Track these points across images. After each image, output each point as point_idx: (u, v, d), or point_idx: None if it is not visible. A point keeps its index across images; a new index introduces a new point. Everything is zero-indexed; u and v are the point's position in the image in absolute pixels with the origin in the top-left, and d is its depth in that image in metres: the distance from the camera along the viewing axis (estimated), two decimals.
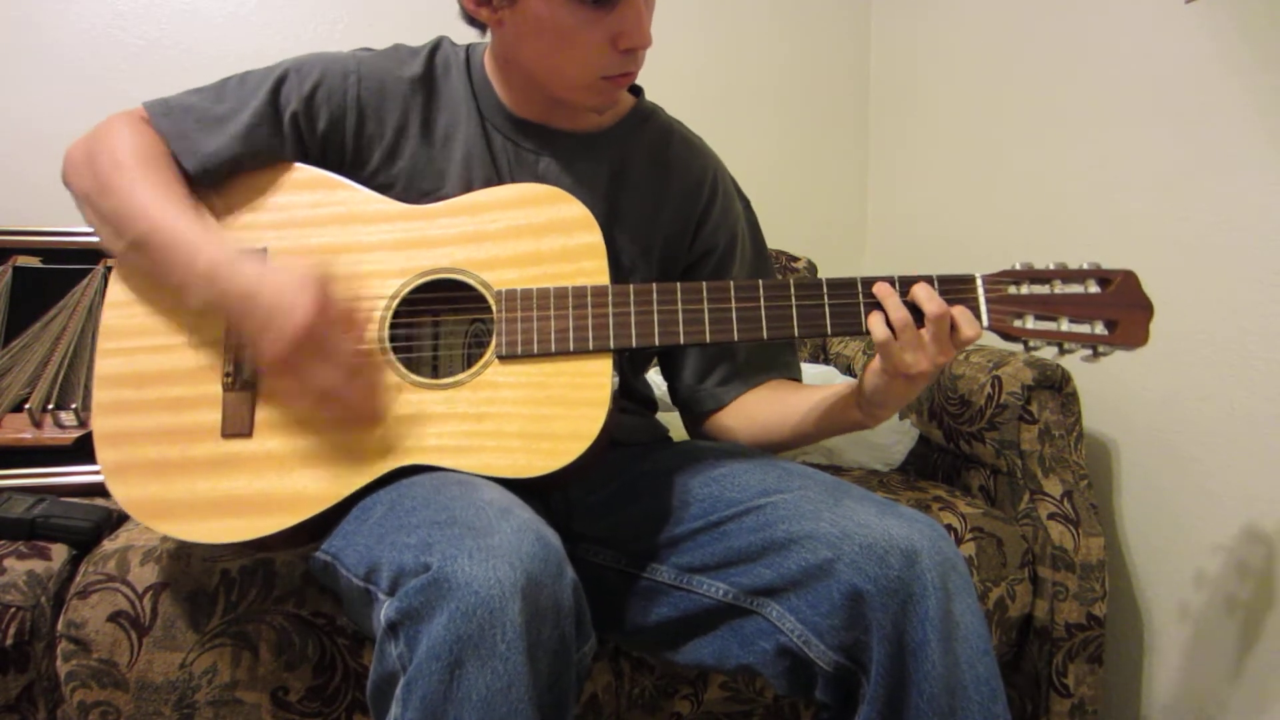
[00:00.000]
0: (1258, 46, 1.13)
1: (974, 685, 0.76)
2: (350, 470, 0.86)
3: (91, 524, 1.09)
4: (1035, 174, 1.54)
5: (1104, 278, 0.87)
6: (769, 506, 0.85)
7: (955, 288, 0.86)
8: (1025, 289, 0.86)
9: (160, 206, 0.86)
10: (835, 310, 0.87)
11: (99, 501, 1.14)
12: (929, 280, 0.85)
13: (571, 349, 0.87)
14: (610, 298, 0.88)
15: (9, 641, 0.96)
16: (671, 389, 1.11)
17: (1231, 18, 1.16)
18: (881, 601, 0.76)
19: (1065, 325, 0.86)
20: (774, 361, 1.08)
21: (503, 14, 0.89)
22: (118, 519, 1.14)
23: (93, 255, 1.44)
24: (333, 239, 0.92)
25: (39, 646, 0.98)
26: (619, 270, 0.99)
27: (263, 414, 0.88)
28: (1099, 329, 0.86)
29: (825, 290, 0.87)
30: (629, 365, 1.09)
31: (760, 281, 0.88)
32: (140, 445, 0.88)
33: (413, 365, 0.90)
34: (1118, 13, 1.35)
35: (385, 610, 0.69)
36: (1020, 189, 1.59)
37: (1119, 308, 0.86)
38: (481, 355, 0.88)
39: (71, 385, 1.38)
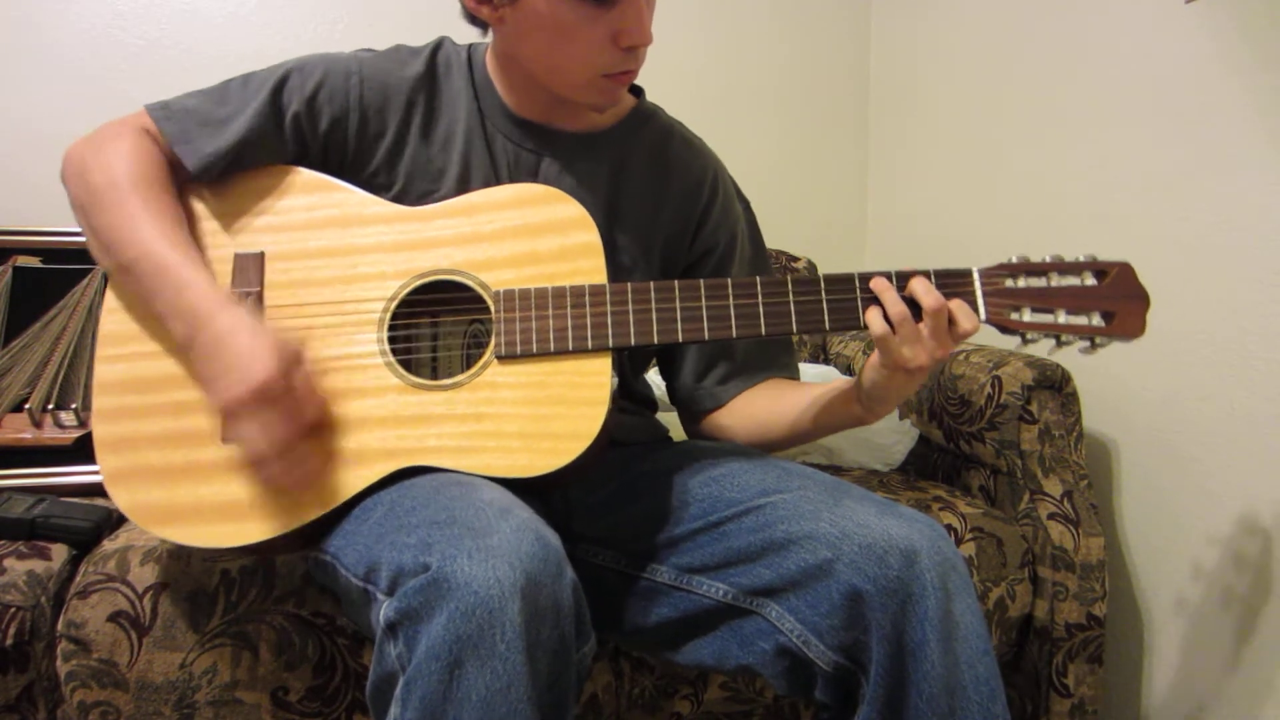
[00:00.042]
0: (1258, 46, 1.13)
1: (973, 685, 0.76)
2: (351, 472, 0.86)
3: (91, 524, 1.09)
4: (1035, 174, 1.54)
5: (1100, 269, 0.87)
6: (768, 507, 0.85)
7: (952, 281, 0.86)
8: (1022, 282, 0.87)
9: (151, 235, 0.85)
10: (833, 306, 0.87)
11: (99, 501, 1.14)
12: (926, 274, 0.85)
13: (570, 348, 0.87)
14: (608, 296, 0.88)
15: (9, 641, 0.96)
16: (670, 389, 1.11)
17: (1231, 18, 1.16)
18: (881, 601, 0.76)
19: (1062, 317, 0.86)
20: (773, 361, 1.08)
21: (504, 12, 0.89)
22: (118, 519, 1.14)
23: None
24: (330, 242, 0.92)
25: (39, 646, 0.98)
26: (619, 270, 0.99)
27: None
28: (1096, 320, 0.86)
29: (823, 286, 0.87)
30: (629, 365, 1.09)
31: (758, 278, 0.88)
32: (142, 451, 0.88)
33: (412, 367, 0.90)
34: (1118, 13, 1.35)
35: (384, 610, 0.69)
36: (1020, 189, 1.59)
37: (1115, 299, 0.86)
38: (480, 356, 0.88)
39: (71, 385, 1.38)
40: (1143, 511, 1.33)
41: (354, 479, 0.86)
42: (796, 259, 1.88)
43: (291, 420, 0.81)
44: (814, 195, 2.08)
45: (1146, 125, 1.30)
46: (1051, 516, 1.23)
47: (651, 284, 0.88)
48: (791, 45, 2.03)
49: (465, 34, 1.01)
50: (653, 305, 0.88)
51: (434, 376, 0.92)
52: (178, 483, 0.87)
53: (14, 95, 1.65)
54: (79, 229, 1.39)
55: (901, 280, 0.85)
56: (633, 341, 0.87)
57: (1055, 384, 1.26)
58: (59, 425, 1.36)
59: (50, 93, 1.67)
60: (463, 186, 0.96)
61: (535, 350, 0.87)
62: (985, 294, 0.86)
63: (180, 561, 1.01)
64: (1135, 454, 1.34)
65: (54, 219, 1.40)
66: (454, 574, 0.66)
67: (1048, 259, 0.87)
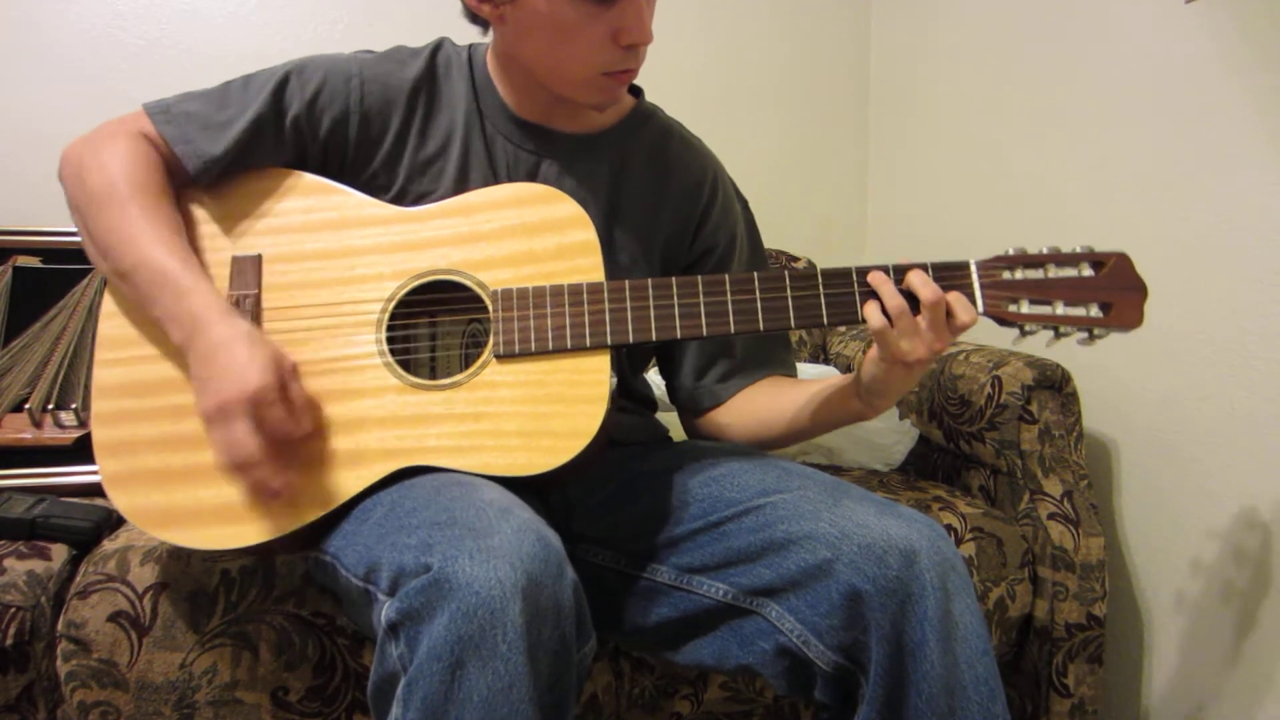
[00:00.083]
0: (1258, 46, 1.13)
1: (973, 685, 0.76)
2: (350, 473, 0.86)
3: (91, 524, 1.09)
4: (1035, 174, 1.54)
5: (1097, 260, 0.87)
6: (768, 507, 0.85)
7: (950, 274, 0.86)
8: (1019, 274, 0.86)
9: (150, 241, 0.85)
10: (831, 300, 0.87)
11: (99, 501, 1.14)
12: (924, 267, 0.85)
13: (569, 346, 0.87)
14: (606, 294, 0.88)
15: (9, 641, 0.96)
16: (670, 388, 1.11)
17: (1231, 18, 1.16)
18: (880, 601, 0.76)
19: (1060, 309, 0.85)
20: (771, 358, 1.08)
21: (504, 10, 0.89)
22: (118, 519, 1.13)
23: None
24: (327, 244, 0.92)
25: (39, 646, 0.98)
26: (619, 270, 0.99)
27: None
28: (1094, 311, 0.85)
29: (820, 281, 0.87)
30: (628, 364, 1.09)
31: (755, 274, 0.88)
32: (141, 454, 0.88)
33: (410, 367, 0.90)
34: (1118, 13, 1.35)
35: (386, 611, 0.69)
36: (1020, 189, 1.59)
37: (1113, 290, 0.85)
38: (479, 355, 0.89)
39: (71, 385, 1.38)
40: (1143, 511, 1.33)
41: (353, 479, 0.86)
42: (796, 259, 1.88)
43: (280, 429, 0.81)
44: (814, 195, 2.08)
45: (1146, 125, 1.30)
46: (1051, 516, 1.23)
47: (649, 281, 0.88)
48: (791, 45, 2.03)
49: (464, 35, 1.01)
50: (650, 302, 0.88)
51: (433, 376, 0.92)
52: (177, 486, 0.87)
53: (14, 95, 1.65)
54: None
55: (899, 274, 0.85)
56: (631, 339, 0.87)
57: (1055, 384, 1.26)
58: (59, 425, 1.36)
59: (50, 93, 1.67)
60: (461, 187, 0.96)
61: (534, 349, 0.87)
62: (983, 286, 0.86)
63: (180, 561, 1.01)
64: (1135, 454, 1.34)
65: (54, 219, 1.40)
66: (455, 574, 0.66)
67: (1044, 250, 0.87)
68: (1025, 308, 0.85)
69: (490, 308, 0.88)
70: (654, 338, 0.87)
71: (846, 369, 1.70)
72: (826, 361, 1.79)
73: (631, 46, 0.88)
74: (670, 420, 1.16)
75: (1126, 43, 1.33)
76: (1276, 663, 1.13)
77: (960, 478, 1.41)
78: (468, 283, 0.90)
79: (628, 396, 1.09)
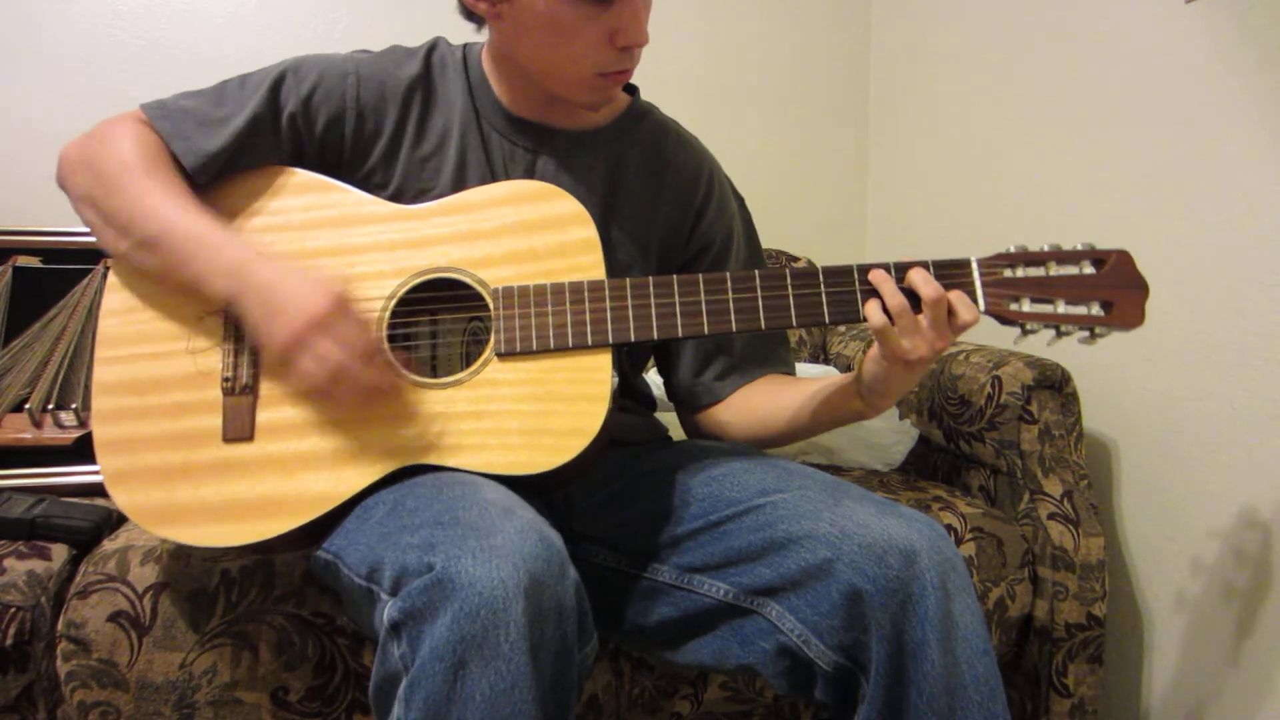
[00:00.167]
0: (1258, 46, 1.13)
1: (973, 685, 0.76)
2: (352, 471, 0.86)
3: (91, 524, 1.09)
4: (1035, 174, 1.54)
5: (1098, 258, 0.86)
6: (769, 506, 0.85)
7: (951, 272, 0.86)
8: (1020, 272, 0.86)
9: (173, 207, 0.86)
10: (832, 298, 0.87)
11: (99, 501, 1.14)
12: (925, 265, 0.85)
13: (570, 345, 0.87)
14: (607, 292, 0.88)
15: (9, 641, 0.96)
16: (668, 385, 1.11)
17: (1231, 18, 1.16)
18: (881, 601, 0.76)
19: (1061, 307, 0.85)
20: (770, 356, 1.08)
21: (501, 8, 0.89)
22: (118, 519, 1.13)
23: (93, 255, 1.44)
24: (327, 242, 0.92)
25: (39, 646, 0.98)
26: (616, 267, 1.00)
27: (264, 417, 0.88)
28: (1095, 310, 0.85)
29: (822, 279, 0.87)
30: (628, 363, 1.09)
31: (757, 272, 0.88)
32: (142, 452, 0.88)
33: (411, 365, 0.90)
34: (1118, 13, 1.35)
35: (388, 610, 0.69)
36: (1020, 189, 1.59)
37: (1114, 288, 0.85)
38: (480, 353, 0.88)
39: (71, 385, 1.38)
40: (1143, 511, 1.33)
41: (354, 478, 0.86)
42: (796, 259, 1.88)
43: (356, 341, 0.82)
44: (814, 195, 2.08)
45: (1146, 125, 1.30)
46: (1051, 516, 1.23)
47: (650, 279, 0.88)
48: (791, 45, 2.03)
49: (462, 35, 1.01)
50: (652, 300, 0.88)
51: (433, 375, 0.92)
52: (177, 483, 0.87)
53: (14, 95, 1.65)
54: (79, 229, 1.41)
55: (900, 271, 0.85)
56: (633, 337, 0.87)
57: (1055, 384, 1.26)
58: (59, 425, 1.36)
59: (50, 93, 1.66)
60: (459, 185, 0.96)
61: (535, 347, 0.87)
62: (984, 284, 0.86)
63: (180, 561, 1.01)
64: (1135, 454, 1.34)
65: (54, 219, 1.40)
66: (458, 574, 0.66)
67: (1046, 248, 0.87)
68: (1027, 306, 0.85)
69: (491, 306, 0.88)
70: (655, 336, 0.87)
71: (846, 369, 1.70)
72: (826, 361, 1.79)
73: (627, 48, 0.89)
74: (670, 420, 1.16)
75: (1126, 43, 1.33)
76: (1277, 663, 1.13)
77: (960, 478, 1.41)
78: (468, 280, 0.90)
79: (629, 395, 1.09)
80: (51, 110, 1.66)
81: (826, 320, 0.87)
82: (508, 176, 0.98)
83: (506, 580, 0.66)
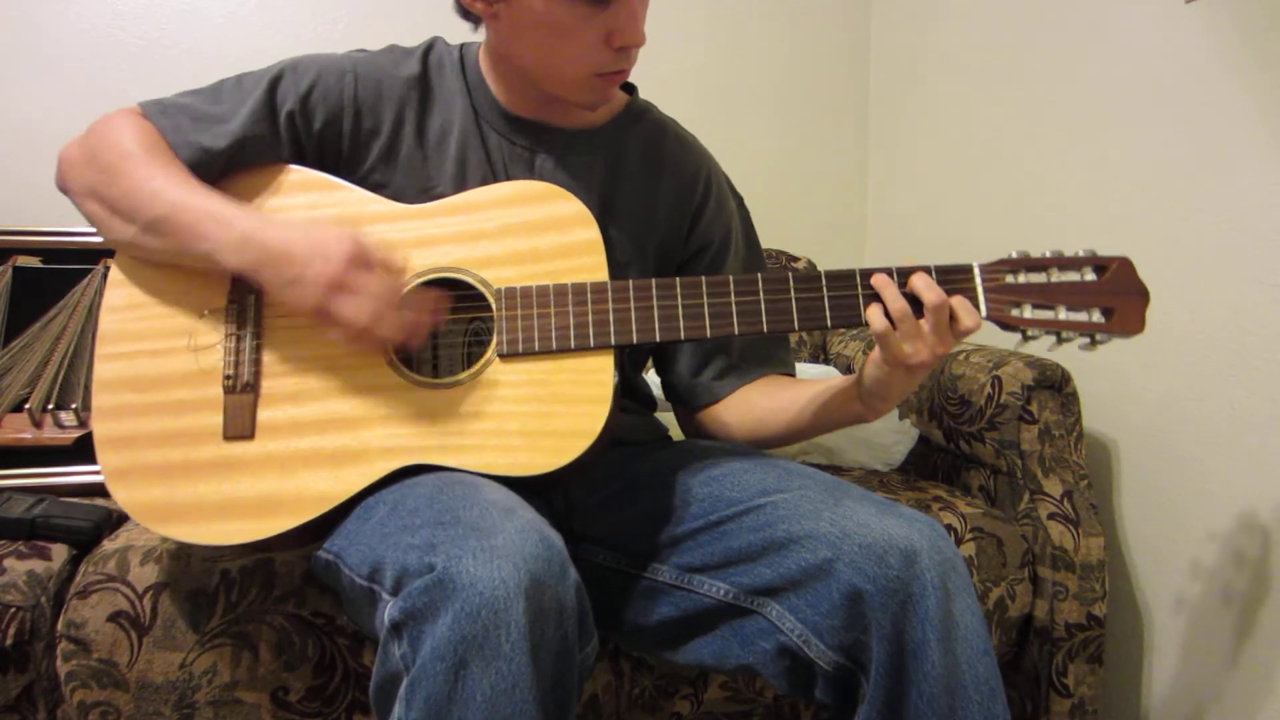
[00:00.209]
0: (1258, 46, 1.13)
1: (974, 685, 0.76)
2: (352, 470, 0.86)
3: (91, 524, 1.09)
4: (1035, 174, 1.54)
5: (1100, 264, 0.87)
6: (769, 506, 0.85)
7: (953, 278, 0.86)
8: (1022, 277, 0.86)
9: (178, 187, 0.87)
10: (834, 302, 0.87)
11: (99, 501, 1.14)
12: (927, 270, 0.85)
13: (572, 346, 0.87)
14: (610, 294, 0.88)
15: (9, 641, 0.96)
16: (666, 384, 1.11)
17: (1231, 18, 1.16)
18: (881, 601, 0.76)
19: (1062, 314, 0.86)
20: (770, 357, 1.08)
21: (498, 8, 0.89)
22: (118, 519, 1.13)
23: (93, 255, 1.44)
24: None
25: (39, 646, 0.98)
26: (614, 266, 0.99)
27: (264, 416, 0.88)
28: (1096, 317, 0.85)
29: (824, 283, 0.87)
30: (629, 363, 1.09)
31: (759, 275, 0.88)
32: (142, 449, 0.88)
33: (413, 365, 0.90)
34: (1118, 13, 1.35)
35: (389, 610, 0.69)
36: (1020, 189, 1.59)
37: (1115, 295, 0.86)
38: (482, 354, 0.88)
39: (71, 385, 1.38)
40: (1143, 511, 1.33)
41: (355, 477, 0.86)
42: (796, 259, 1.88)
43: (385, 274, 0.83)
44: (814, 195, 2.08)
45: (1146, 125, 1.30)
46: (1051, 516, 1.23)
47: (653, 281, 0.88)
48: (791, 45, 2.03)
49: (461, 36, 1.01)
50: (654, 303, 0.88)
51: (435, 374, 0.92)
52: (177, 481, 0.87)
53: (14, 95, 1.65)
54: (79, 229, 1.42)
55: (902, 276, 0.85)
56: (635, 339, 0.87)
57: (1055, 384, 1.26)
58: (59, 425, 1.36)
59: (50, 93, 1.66)
60: (459, 184, 0.96)
61: (537, 348, 0.87)
62: (986, 290, 0.86)
63: (180, 561, 1.01)
64: (1135, 454, 1.34)
65: (54, 219, 1.40)
66: (459, 574, 0.66)
67: (1048, 254, 0.87)
68: (1028, 312, 0.86)
69: (494, 306, 0.88)
70: (658, 338, 0.87)
71: (847, 369, 1.70)
72: (826, 361, 1.79)
73: (625, 48, 0.89)
74: (670, 420, 1.16)
75: (1126, 43, 1.34)
76: (1277, 663, 1.13)
77: (960, 478, 1.41)
78: (471, 280, 0.90)
79: (629, 395, 1.09)
80: (51, 110, 1.66)
81: (829, 324, 0.87)
82: (508, 175, 0.98)
83: (507, 580, 0.66)
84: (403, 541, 0.72)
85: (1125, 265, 0.86)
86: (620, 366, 0.90)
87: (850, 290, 0.86)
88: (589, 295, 0.88)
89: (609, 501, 0.97)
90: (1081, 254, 0.87)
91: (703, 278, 0.88)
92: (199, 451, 0.87)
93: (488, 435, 0.85)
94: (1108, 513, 1.38)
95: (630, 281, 0.88)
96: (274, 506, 0.86)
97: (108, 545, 1.05)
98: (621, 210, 1.01)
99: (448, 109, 0.99)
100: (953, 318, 0.84)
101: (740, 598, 0.85)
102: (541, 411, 0.86)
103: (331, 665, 1.00)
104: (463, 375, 0.88)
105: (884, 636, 0.76)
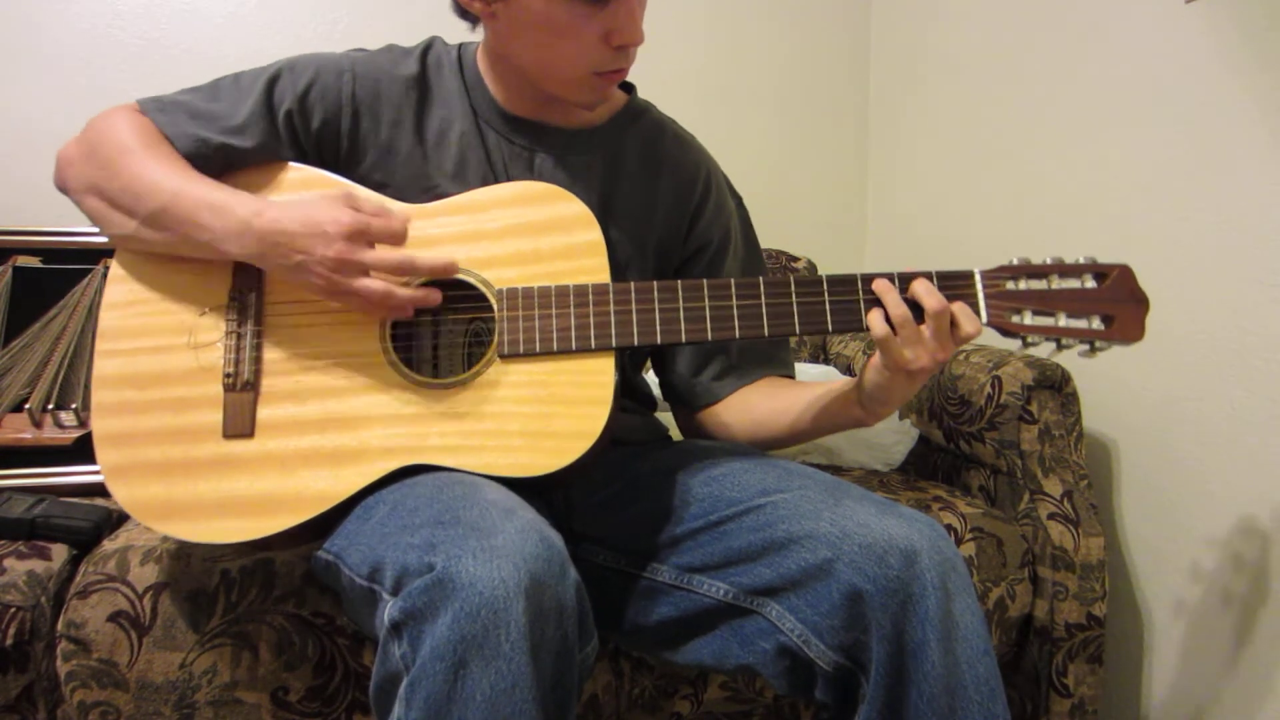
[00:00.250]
0: (1258, 46, 1.13)
1: (974, 685, 0.76)
2: (352, 470, 0.86)
3: (91, 524, 1.09)
4: (1035, 174, 1.54)
5: (1100, 272, 0.87)
6: (769, 506, 0.85)
7: (954, 284, 0.86)
8: (1023, 284, 0.87)
9: (176, 178, 0.87)
10: (835, 307, 0.87)
11: (99, 501, 1.14)
12: (928, 276, 0.85)
13: (573, 347, 0.87)
14: (611, 296, 0.88)
15: (9, 641, 0.96)
16: (664, 384, 1.11)
17: (1231, 18, 1.17)
18: (881, 601, 0.76)
19: (1063, 320, 0.86)
20: (769, 358, 1.08)
21: (496, 7, 0.89)
22: (118, 519, 1.13)
23: (93, 255, 1.44)
24: None
25: (39, 646, 0.98)
26: (613, 265, 0.99)
27: (264, 414, 0.88)
28: (1096, 324, 0.86)
29: (825, 287, 0.87)
30: (629, 363, 1.09)
31: (761, 279, 0.88)
32: (142, 446, 0.88)
33: (414, 365, 0.90)
34: (1118, 13, 1.35)
35: (389, 610, 0.69)
36: (1020, 189, 1.59)
37: (1115, 302, 0.86)
38: (482, 354, 0.88)
39: (71, 385, 1.38)
40: (1143, 511, 1.33)
41: (355, 476, 0.86)
42: (796, 259, 1.88)
43: (390, 238, 0.85)
44: (814, 195, 2.08)
45: (1146, 125, 1.30)
46: (1051, 516, 1.23)
47: (655, 284, 0.88)
48: (791, 45, 2.03)
49: (459, 36, 1.01)
50: (655, 305, 0.88)
51: (435, 375, 0.92)
52: (176, 479, 0.87)
53: (14, 95, 1.65)
54: (79, 229, 1.41)
55: (904, 282, 0.85)
56: (636, 341, 0.87)
57: (1055, 384, 1.26)
58: (59, 425, 1.36)
59: (50, 93, 1.66)
60: (459, 183, 0.96)
61: (538, 349, 0.87)
62: (987, 296, 0.86)
63: (180, 561, 1.01)
64: (1135, 454, 1.34)
65: (54, 219, 1.40)
66: (459, 574, 0.66)
67: (1048, 261, 0.87)
68: (1028, 318, 0.86)
69: (495, 307, 0.88)
70: (659, 341, 0.87)
71: (847, 369, 1.70)
72: (826, 361, 1.79)
73: (623, 46, 0.89)
74: (670, 420, 1.16)
75: (1126, 43, 1.34)
76: (1277, 663, 1.13)
77: (960, 478, 1.41)
78: (472, 281, 0.90)
79: (629, 395, 1.09)
80: (51, 110, 1.66)
81: (830, 329, 0.87)
82: (508, 175, 0.98)
83: (507, 580, 0.66)
84: (402, 541, 0.72)
85: (1125, 273, 0.87)
86: (620, 367, 0.90)
87: (851, 295, 0.87)
88: (590, 297, 0.88)
89: (609, 501, 0.97)
90: (1082, 261, 0.87)
91: (704, 280, 0.88)
92: (198, 449, 0.87)
93: (488, 436, 0.85)
94: (1108, 513, 1.38)
95: (632, 284, 0.88)
96: (273, 505, 0.85)
97: (108, 545, 1.05)
98: (620, 210, 1.01)
99: (446, 108, 0.99)
100: (953, 324, 0.84)
101: (740, 598, 0.85)
102: (542, 412, 0.86)
103: (331, 665, 1.00)
104: (463, 375, 0.88)
105: (884, 636, 0.76)
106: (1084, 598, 1.20)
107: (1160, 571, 1.30)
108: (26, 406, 1.35)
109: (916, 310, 0.84)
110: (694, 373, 1.07)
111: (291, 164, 0.95)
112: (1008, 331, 0.87)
